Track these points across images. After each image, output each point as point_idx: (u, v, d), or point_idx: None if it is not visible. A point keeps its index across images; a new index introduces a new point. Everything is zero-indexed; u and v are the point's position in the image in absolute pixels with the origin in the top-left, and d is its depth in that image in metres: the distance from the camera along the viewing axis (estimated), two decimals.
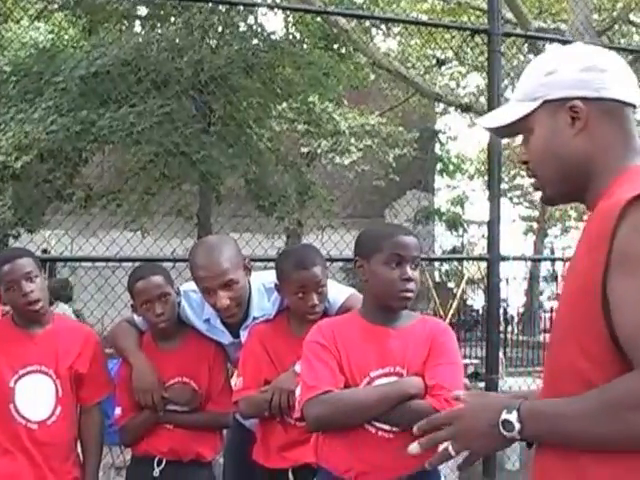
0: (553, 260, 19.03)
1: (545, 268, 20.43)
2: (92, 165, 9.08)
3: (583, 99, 1.65)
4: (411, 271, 2.53)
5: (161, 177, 9.07)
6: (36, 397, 3.01)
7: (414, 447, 1.78)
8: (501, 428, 1.59)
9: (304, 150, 11.76)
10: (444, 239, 19.86)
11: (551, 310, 13.47)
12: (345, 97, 11.89)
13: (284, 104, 10.49)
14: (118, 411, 3.14)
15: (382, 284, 2.54)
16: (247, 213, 9.87)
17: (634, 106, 1.69)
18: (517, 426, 1.57)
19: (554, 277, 18.96)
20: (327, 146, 11.80)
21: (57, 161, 8.61)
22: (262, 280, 3.11)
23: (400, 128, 13.11)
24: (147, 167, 8.91)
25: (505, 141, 9.74)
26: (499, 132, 1.85)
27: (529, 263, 17.31)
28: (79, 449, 3.18)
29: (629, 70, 1.72)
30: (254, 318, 3.07)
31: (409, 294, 2.55)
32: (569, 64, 1.68)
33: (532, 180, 1.78)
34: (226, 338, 3.15)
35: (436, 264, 15.09)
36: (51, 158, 8.51)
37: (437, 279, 16.63)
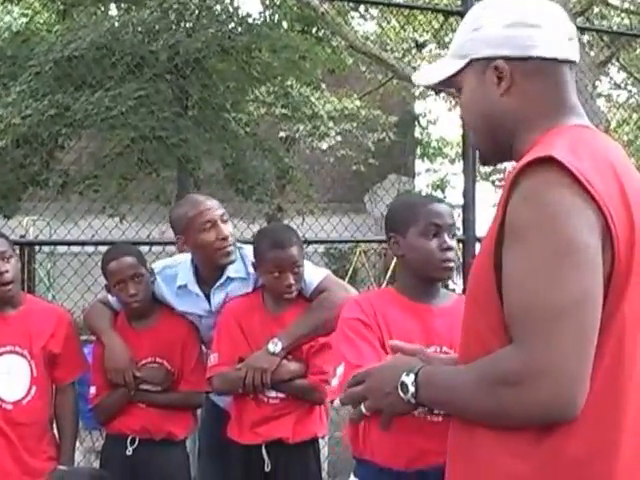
0: None
1: None
2: (68, 151, 9.06)
3: (508, 58, 1.58)
4: (450, 240, 2.46)
5: (138, 162, 9.07)
6: (11, 377, 3.05)
7: (336, 402, 1.85)
8: (399, 389, 1.61)
9: (282, 134, 11.77)
10: None
11: None
12: (323, 81, 11.90)
13: (262, 88, 10.50)
14: (92, 390, 3.20)
15: (422, 256, 2.43)
16: (226, 198, 9.87)
17: (572, 62, 1.62)
18: (411, 389, 1.59)
19: None
20: (305, 130, 11.82)
21: (33, 146, 8.59)
22: (239, 245, 3.19)
23: (379, 112, 13.14)
24: (124, 152, 8.91)
25: None
26: (436, 86, 1.80)
27: None
28: (55, 429, 3.24)
29: (567, 22, 1.63)
30: (228, 278, 3.13)
31: (451, 264, 2.46)
32: (495, 19, 1.60)
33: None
34: (201, 303, 3.19)
35: None
36: (26, 143, 8.49)
37: None
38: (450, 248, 2.44)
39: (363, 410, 1.73)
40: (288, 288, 2.97)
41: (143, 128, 8.01)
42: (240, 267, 3.15)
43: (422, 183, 19.90)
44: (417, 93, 15.38)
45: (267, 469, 3.00)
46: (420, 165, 20.03)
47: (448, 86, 1.73)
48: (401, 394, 1.60)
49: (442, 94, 13.45)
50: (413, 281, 2.48)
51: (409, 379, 1.59)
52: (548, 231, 1.39)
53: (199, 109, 9.05)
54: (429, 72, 1.78)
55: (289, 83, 10.63)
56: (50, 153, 8.89)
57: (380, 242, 12.07)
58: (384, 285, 12.43)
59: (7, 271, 3.03)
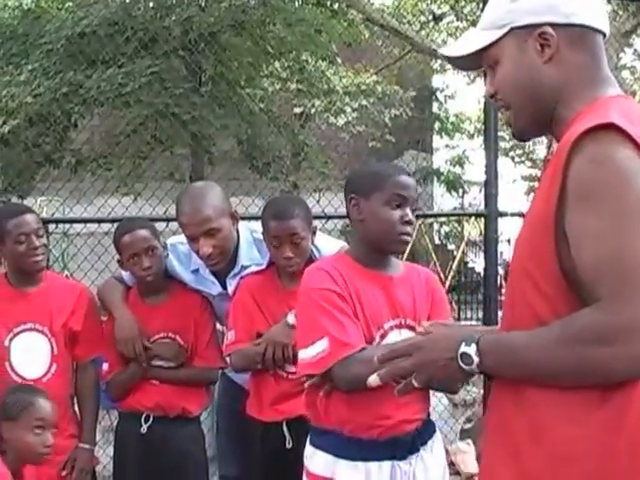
0: None
1: None
2: (81, 129, 9.09)
3: (552, 25, 1.62)
4: (411, 214, 2.46)
5: (152, 140, 9.09)
6: (31, 355, 3.10)
7: (373, 379, 1.76)
8: (459, 361, 1.60)
9: (297, 110, 11.74)
10: (444, 201, 19.85)
11: None
12: (339, 55, 11.85)
13: (276, 63, 10.47)
14: (105, 367, 3.24)
15: (382, 225, 2.43)
16: (241, 176, 9.89)
17: (604, 34, 1.66)
18: (475, 359, 1.58)
19: None
20: (321, 106, 11.78)
21: (46, 125, 8.63)
22: (252, 230, 3.19)
23: (396, 87, 13.08)
24: (138, 130, 8.93)
25: None
26: (463, 64, 1.82)
27: None
28: (76, 407, 3.28)
29: None
30: (243, 267, 3.15)
31: (408, 237, 2.47)
32: None
33: (502, 114, 1.75)
34: (215, 289, 3.23)
35: (435, 226, 15.15)
36: (39, 122, 8.53)
37: (437, 241, 16.69)
38: (411, 222, 2.45)
39: (415, 384, 1.70)
40: (286, 260, 2.97)
41: (157, 104, 8.02)
42: (255, 254, 3.16)
43: (441, 159, 19.81)
44: (436, 67, 15.29)
45: (288, 446, 3.01)
46: (438, 141, 19.93)
47: (477, 62, 1.74)
48: (462, 365, 1.60)
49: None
50: (367, 248, 2.48)
51: (471, 349, 1.59)
52: (625, 189, 1.44)
53: (213, 85, 9.05)
54: (461, 44, 1.77)
55: (304, 58, 10.59)
56: (63, 132, 8.92)
57: None
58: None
59: (42, 245, 3.09)
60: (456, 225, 17.42)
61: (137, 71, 8.05)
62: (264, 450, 3.08)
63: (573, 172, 1.47)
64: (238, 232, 3.16)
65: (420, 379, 1.68)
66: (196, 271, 3.23)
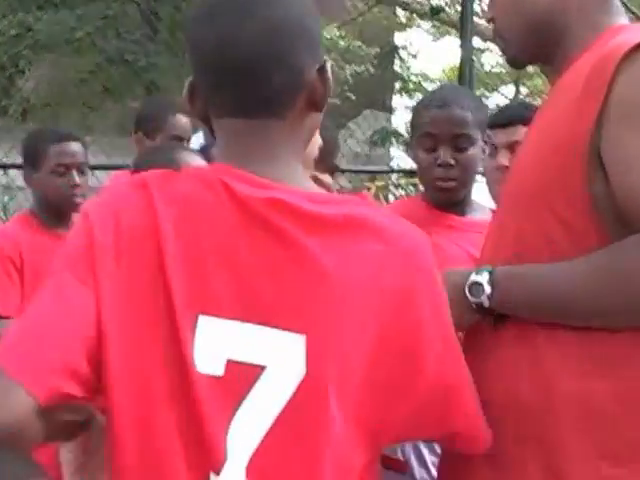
0: None
1: None
2: (29, 76, 8.91)
3: None
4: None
5: (103, 90, 8.94)
6: None
7: None
8: (467, 291, 1.40)
9: None
10: (401, 162, 19.81)
11: None
12: None
13: None
14: None
15: None
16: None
17: None
18: (487, 289, 1.38)
19: None
20: None
21: None
22: None
23: (359, 43, 12.99)
24: (88, 79, 8.76)
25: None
26: None
27: None
28: None
29: None
30: None
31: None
32: None
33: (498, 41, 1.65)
34: None
35: (391, 187, 15.13)
36: None
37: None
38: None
39: None
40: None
41: (110, 51, 7.89)
42: None
43: (400, 120, 19.78)
44: (402, 21, 15.19)
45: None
46: (398, 101, 19.86)
47: None
48: (469, 297, 1.39)
49: (426, 24, 13.29)
50: None
51: (482, 277, 1.39)
52: None
53: (170, 34, 8.89)
54: None
55: None
56: (10, 78, 8.74)
57: (363, 172, 11.99)
58: None
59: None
60: (412, 189, 17.42)
61: (90, 15, 7.90)
62: None
63: (620, 88, 1.36)
64: None
65: None
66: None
